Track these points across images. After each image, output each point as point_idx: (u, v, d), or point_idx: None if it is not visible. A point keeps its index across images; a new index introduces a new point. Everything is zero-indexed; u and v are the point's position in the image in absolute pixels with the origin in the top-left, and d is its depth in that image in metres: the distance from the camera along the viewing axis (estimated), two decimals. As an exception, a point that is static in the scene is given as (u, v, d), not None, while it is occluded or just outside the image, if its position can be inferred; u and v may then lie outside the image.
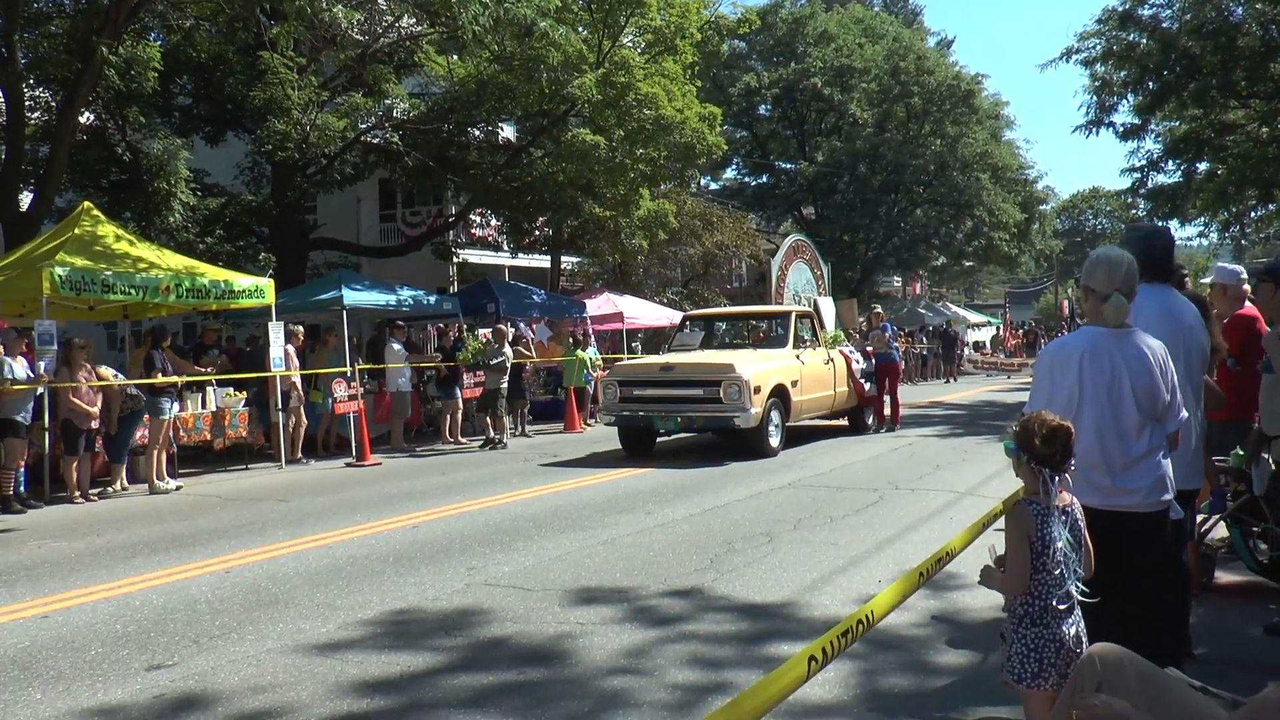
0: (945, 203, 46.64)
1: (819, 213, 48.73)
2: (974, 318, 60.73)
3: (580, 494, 11.62)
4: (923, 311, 52.75)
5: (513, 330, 22.88)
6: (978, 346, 51.33)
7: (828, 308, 17.76)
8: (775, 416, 14.47)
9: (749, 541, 8.65)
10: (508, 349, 17.74)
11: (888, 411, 18.01)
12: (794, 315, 16.40)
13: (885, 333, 18.09)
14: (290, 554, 8.81)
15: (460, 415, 18.76)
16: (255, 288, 15.56)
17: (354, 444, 16.23)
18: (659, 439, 16.14)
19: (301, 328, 16.98)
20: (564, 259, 30.34)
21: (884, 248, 47.45)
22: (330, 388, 16.50)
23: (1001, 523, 4.10)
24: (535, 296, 23.27)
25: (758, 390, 13.99)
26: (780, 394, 14.62)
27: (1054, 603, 3.83)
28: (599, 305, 25.91)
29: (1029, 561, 3.82)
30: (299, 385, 16.19)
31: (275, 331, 15.66)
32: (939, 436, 17.19)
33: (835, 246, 47.54)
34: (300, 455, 16.17)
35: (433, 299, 20.45)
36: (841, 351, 16.87)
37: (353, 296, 17.94)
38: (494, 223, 28.05)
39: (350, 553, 8.78)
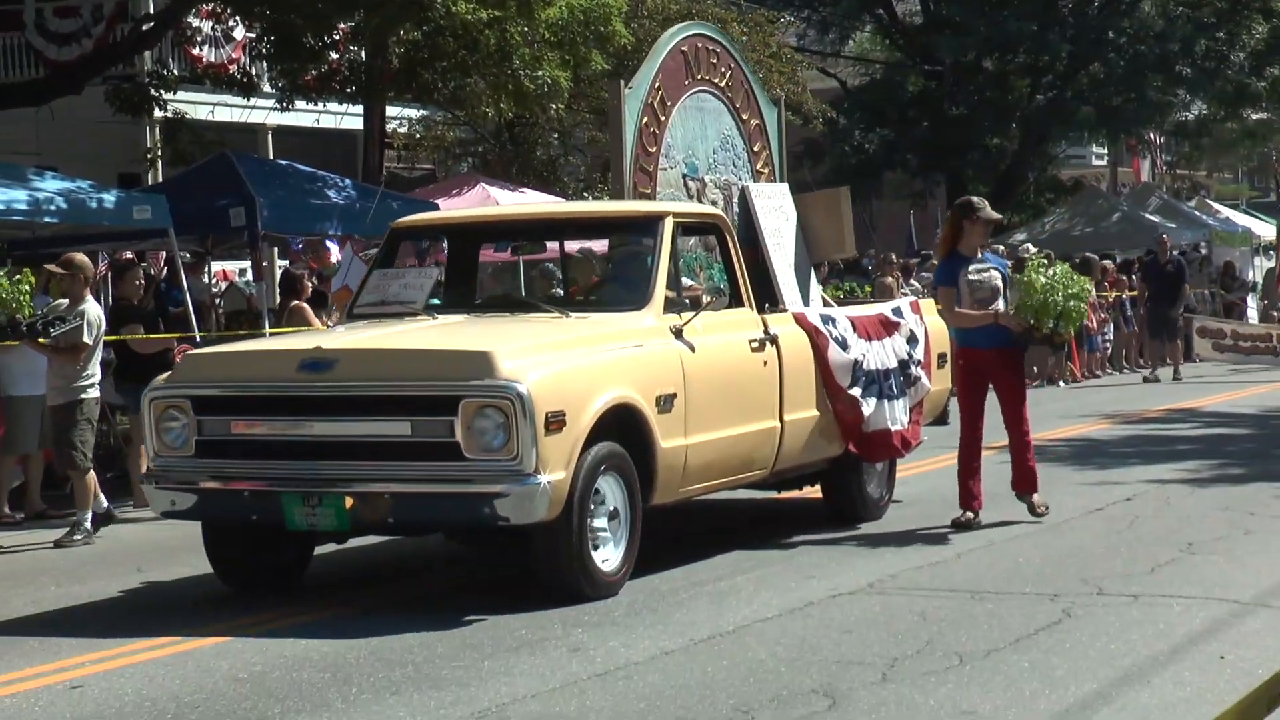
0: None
1: (929, 8, 44.44)
2: (1267, 230, 48.89)
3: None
4: (1154, 218, 42.15)
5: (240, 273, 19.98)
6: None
7: (775, 207, 13.86)
8: (611, 493, 10.72)
9: (788, 707, 7.89)
10: (90, 305, 14.24)
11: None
12: (668, 224, 12.03)
13: (986, 267, 13.02)
14: None
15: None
16: None
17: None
18: (318, 550, 11.92)
19: None
20: (393, 114, 28.82)
21: (1070, 84, 43.27)
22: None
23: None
24: (333, 192, 21.02)
25: (556, 422, 10.10)
26: (629, 431, 10.82)
27: None
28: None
29: None
30: None
31: None
32: (1191, 481, 15.59)
33: (968, 80, 43.54)
34: None
35: (110, 198, 18.11)
36: (802, 319, 12.92)
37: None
38: (240, 35, 26.76)
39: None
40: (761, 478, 12.49)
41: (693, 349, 11.33)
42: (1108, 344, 31.61)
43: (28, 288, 13.99)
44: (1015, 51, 42.96)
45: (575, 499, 10.12)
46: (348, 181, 22.06)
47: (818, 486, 13.57)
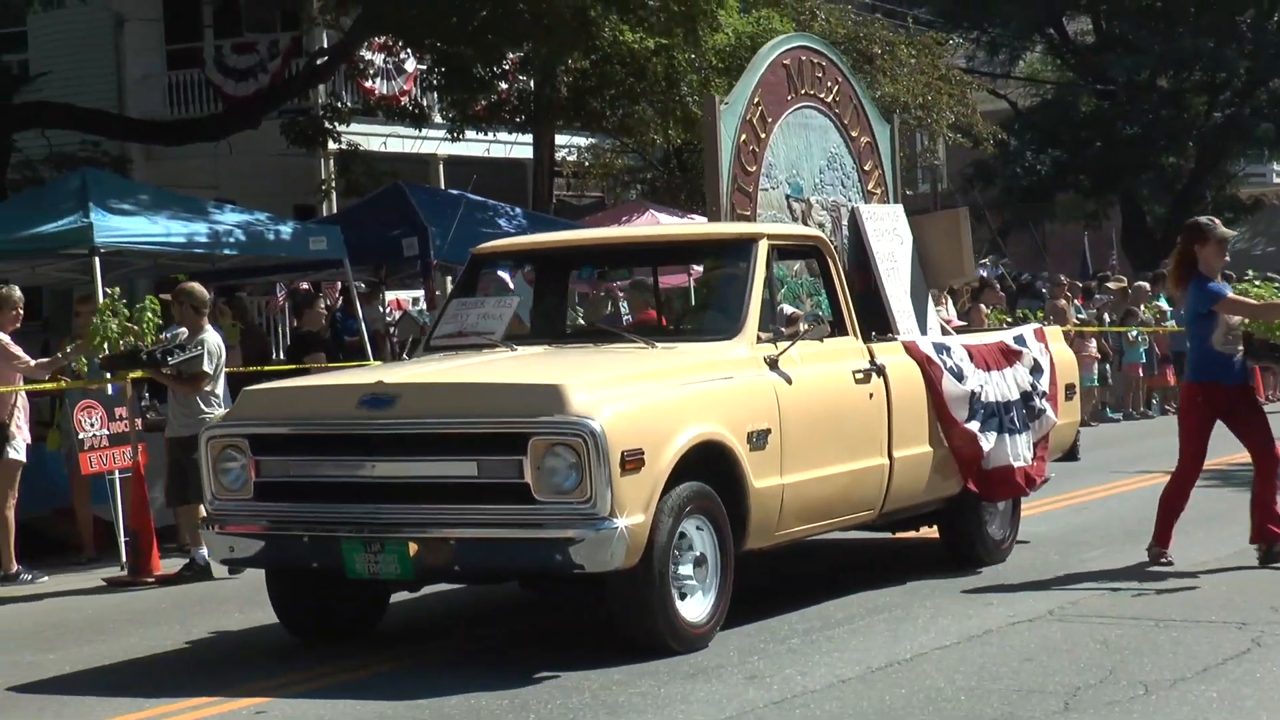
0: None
1: (1101, 27, 43.46)
2: None
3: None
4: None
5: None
6: None
7: (888, 229, 12.86)
8: (698, 537, 9.92)
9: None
10: (210, 334, 13.84)
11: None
12: (762, 247, 11.09)
13: (1215, 293, 11.75)
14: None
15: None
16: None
17: (122, 539, 14.11)
18: (395, 596, 11.28)
19: (17, 291, 14.72)
20: (562, 142, 28.77)
21: (1249, 101, 42.09)
22: (74, 419, 14.10)
23: None
24: (503, 220, 21.09)
25: (633, 461, 9.33)
26: (718, 470, 10.02)
27: None
28: (639, 239, 24.10)
29: None
30: (22, 416, 14.13)
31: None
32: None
33: (1142, 98, 42.11)
34: (15, 566, 14.13)
35: (287, 230, 18.38)
36: (913, 348, 12.06)
37: (113, 227, 15.81)
38: (412, 67, 26.62)
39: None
40: (870, 519, 11.67)
41: (789, 381, 10.53)
42: (1301, 366, 30.86)
43: (151, 315, 13.66)
44: (1191, 69, 41.96)
45: (656, 544, 9.32)
46: (518, 210, 22.25)
47: (934, 525, 12.67)
